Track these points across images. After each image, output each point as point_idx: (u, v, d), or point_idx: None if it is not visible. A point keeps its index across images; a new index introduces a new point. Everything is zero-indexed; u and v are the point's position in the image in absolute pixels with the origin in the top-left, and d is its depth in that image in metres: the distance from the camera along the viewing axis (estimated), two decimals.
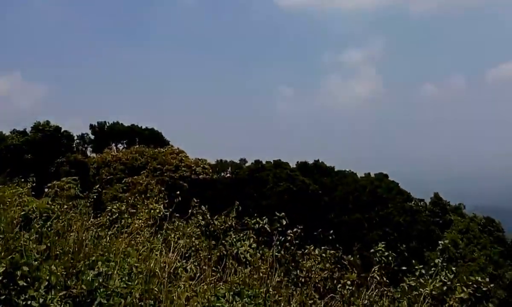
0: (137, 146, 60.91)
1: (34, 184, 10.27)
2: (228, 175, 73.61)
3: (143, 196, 10.25)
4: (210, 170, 61.30)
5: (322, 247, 8.12)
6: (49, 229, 7.73)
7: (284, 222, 7.46)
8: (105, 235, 8.21)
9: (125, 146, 65.85)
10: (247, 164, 72.68)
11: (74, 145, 61.82)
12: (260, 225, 8.15)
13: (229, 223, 8.90)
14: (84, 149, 66.71)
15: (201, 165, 58.93)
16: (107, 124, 66.15)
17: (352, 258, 7.56)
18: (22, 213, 8.20)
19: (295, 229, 7.73)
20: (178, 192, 8.68)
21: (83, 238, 7.61)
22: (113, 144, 66.24)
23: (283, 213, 7.46)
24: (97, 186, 9.62)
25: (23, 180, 12.10)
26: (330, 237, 8.59)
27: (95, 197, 9.22)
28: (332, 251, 7.35)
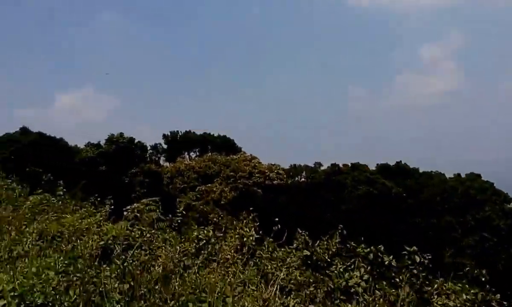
0: (210, 154, 61.48)
1: (113, 207, 9.70)
2: (303, 179, 72.24)
3: (230, 217, 9.27)
4: (284, 175, 60.35)
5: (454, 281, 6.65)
6: (131, 261, 6.93)
7: (418, 259, 6.05)
8: (193, 265, 7.36)
9: (197, 154, 66.79)
10: (322, 168, 70.78)
11: (147, 155, 63.70)
12: (374, 255, 6.83)
13: (333, 249, 7.67)
14: (157, 159, 68.56)
15: (275, 171, 58.11)
16: (180, 133, 67.60)
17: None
18: (101, 243, 7.55)
19: (421, 260, 6.34)
20: (276, 219, 7.56)
21: (170, 270, 6.82)
22: (186, 153, 67.47)
23: (414, 247, 6.06)
24: (181, 209, 8.80)
25: (98, 199, 11.69)
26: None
27: (179, 221, 8.41)
28: (477, 292, 5.83)
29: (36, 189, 11.11)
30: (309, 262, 7.38)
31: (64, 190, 10.28)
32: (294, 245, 7.68)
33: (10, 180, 13.62)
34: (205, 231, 7.46)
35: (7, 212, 9.09)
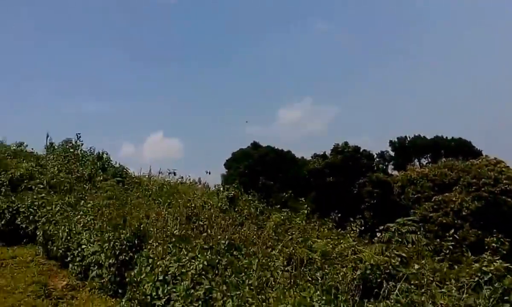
0: (444, 159, 56.21)
1: (363, 227, 8.58)
2: None
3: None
4: None
5: None
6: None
7: None
8: None
9: (429, 160, 62.07)
10: None
11: (374, 164, 62.05)
12: None
13: None
14: (384, 167, 66.28)
15: None
16: (408, 139, 64.06)
17: None
18: (358, 273, 6.43)
19: None
20: None
21: None
22: (416, 160, 63.44)
23: None
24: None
25: (339, 215, 10.85)
26: None
27: (450, 247, 6.70)
28: None
29: (268, 201, 11.06)
30: None
31: (308, 208, 9.70)
32: None
33: (249, 195, 13.87)
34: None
35: (251, 231, 8.91)
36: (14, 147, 18.53)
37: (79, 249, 10.00)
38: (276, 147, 53.50)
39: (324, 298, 5.35)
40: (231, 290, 6.02)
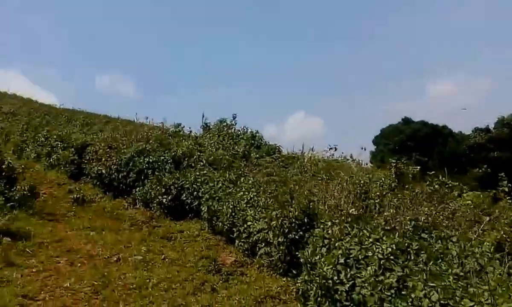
0: None
1: None
2: None
3: None
4: None
5: None
6: None
7: None
8: None
9: None
10: None
11: None
12: None
13: None
14: None
15: None
16: None
17: None
18: None
19: None
20: None
21: None
22: None
23: None
24: None
25: None
26: None
27: None
28: None
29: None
30: None
31: (509, 185, 8.27)
32: None
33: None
34: None
35: (437, 211, 7.88)
36: (172, 129, 19.69)
37: (245, 226, 10.05)
38: (430, 123, 49.91)
39: None
40: (430, 279, 5.25)
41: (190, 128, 19.76)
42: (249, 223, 9.98)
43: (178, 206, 12.70)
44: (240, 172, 13.18)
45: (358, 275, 6.02)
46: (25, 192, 12.80)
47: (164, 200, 12.65)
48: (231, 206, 10.69)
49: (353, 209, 7.28)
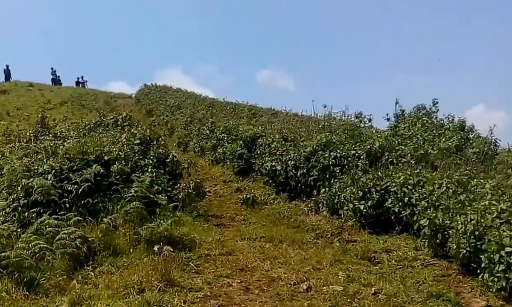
0: None
1: None
2: None
3: None
4: None
5: None
6: None
7: None
8: None
9: None
10: None
11: None
12: None
13: None
14: None
15: None
16: None
17: None
18: None
19: None
20: None
21: None
22: None
23: None
24: None
25: None
26: None
27: None
28: None
29: None
30: None
31: None
32: None
33: None
34: None
35: None
36: (353, 119, 17.20)
37: (501, 253, 6.89)
38: None
39: None
40: None
41: (370, 116, 16.75)
42: (507, 249, 6.80)
43: (381, 215, 9.97)
44: (466, 171, 9.99)
45: None
46: (190, 191, 11.47)
47: (362, 207, 9.98)
48: (473, 221, 7.59)
49: None
